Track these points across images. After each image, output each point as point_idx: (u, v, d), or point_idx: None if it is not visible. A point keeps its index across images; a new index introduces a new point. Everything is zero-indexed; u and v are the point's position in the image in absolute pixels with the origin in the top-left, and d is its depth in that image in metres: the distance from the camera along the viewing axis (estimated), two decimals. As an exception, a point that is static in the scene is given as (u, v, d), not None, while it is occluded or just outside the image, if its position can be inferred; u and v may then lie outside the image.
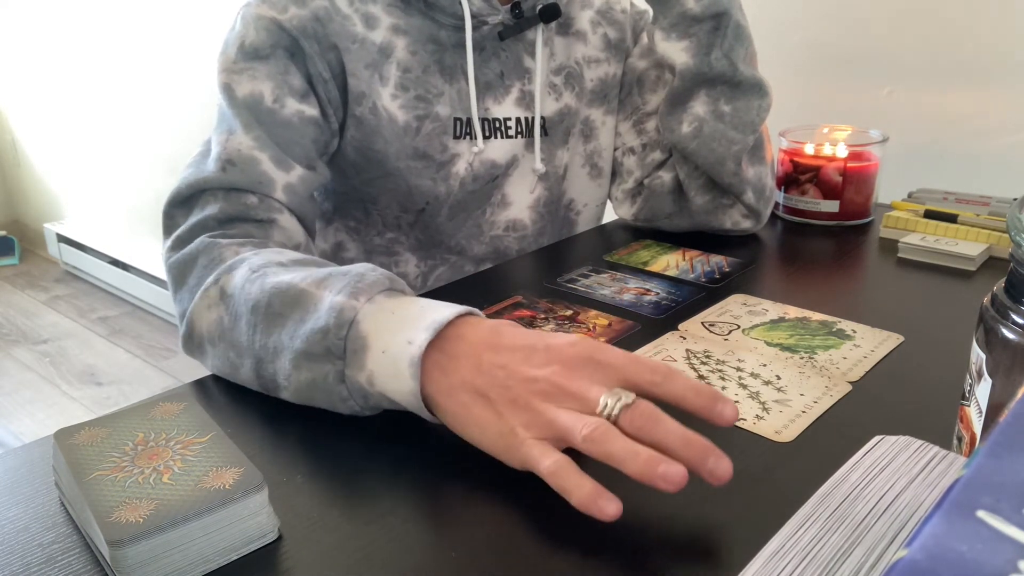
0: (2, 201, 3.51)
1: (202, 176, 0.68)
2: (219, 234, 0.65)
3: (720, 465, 0.41)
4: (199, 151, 0.72)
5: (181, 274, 0.64)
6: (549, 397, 0.44)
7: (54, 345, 2.55)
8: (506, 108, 0.83)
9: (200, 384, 0.59)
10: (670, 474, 0.40)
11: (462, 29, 0.79)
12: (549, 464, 0.43)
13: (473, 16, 0.78)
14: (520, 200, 0.87)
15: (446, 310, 0.49)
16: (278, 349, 0.53)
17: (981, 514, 0.19)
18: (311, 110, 0.73)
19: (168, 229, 0.69)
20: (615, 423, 0.43)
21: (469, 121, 0.81)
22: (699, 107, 0.81)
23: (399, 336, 0.48)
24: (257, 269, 0.57)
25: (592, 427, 0.42)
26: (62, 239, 3.09)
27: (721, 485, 0.41)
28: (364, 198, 0.82)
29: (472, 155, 0.81)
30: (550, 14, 0.81)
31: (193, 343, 0.61)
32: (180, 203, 0.69)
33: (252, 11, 0.73)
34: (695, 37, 0.80)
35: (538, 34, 0.82)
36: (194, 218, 0.67)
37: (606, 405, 0.43)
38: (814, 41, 1.19)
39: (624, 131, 0.92)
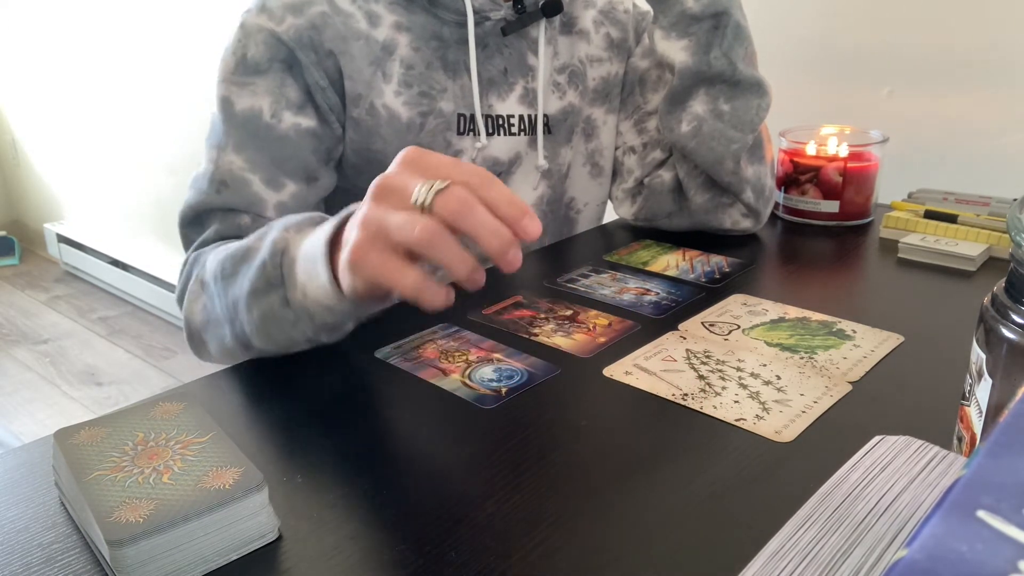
0: (2, 201, 3.51)
1: (201, 199, 0.72)
2: (214, 247, 0.69)
3: (516, 257, 0.44)
4: (203, 167, 0.74)
5: (182, 291, 0.70)
6: (379, 198, 0.46)
7: (54, 345, 2.56)
8: (509, 105, 0.83)
9: (200, 384, 0.59)
10: (477, 280, 0.46)
11: (465, 25, 0.79)
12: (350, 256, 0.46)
13: (475, 12, 0.78)
14: (523, 197, 0.87)
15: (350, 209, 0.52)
16: (236, 301, 0.58)
17: (981, 514, 0.19)
18: (308, 121, 0.74)
19: (185, 247, 0.75)
20: (431, 211, 0.44)
21: (472, 117, 0.81)
22: (698, 106, 0.82)
23: (314, 240, 0.53)
24: (216, 259, 0.62)
25: (421, 228, 0.43)
26: (62, 239, 3.09)
27: (513, 270, 0.45)
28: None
29: (475, 151, 0.82)
30: (552, 8, 0.81)
31: (195, 341, 0.65)
32: (189, 223, 0.74)
33: (252, 21, 0.74)
34: (694, 36, 0.80)
35: (540, 30, 0.82)
36: (199, 238, 0.73)
37: (419, 192, 0.44)
38: (814, 41, 1.19)
39: (625, 130, 0.92)
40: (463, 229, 0.44)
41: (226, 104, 0.73)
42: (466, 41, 0.79)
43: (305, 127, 0.74)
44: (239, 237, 0.69)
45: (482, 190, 0.45)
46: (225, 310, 0.59)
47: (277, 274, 0.54)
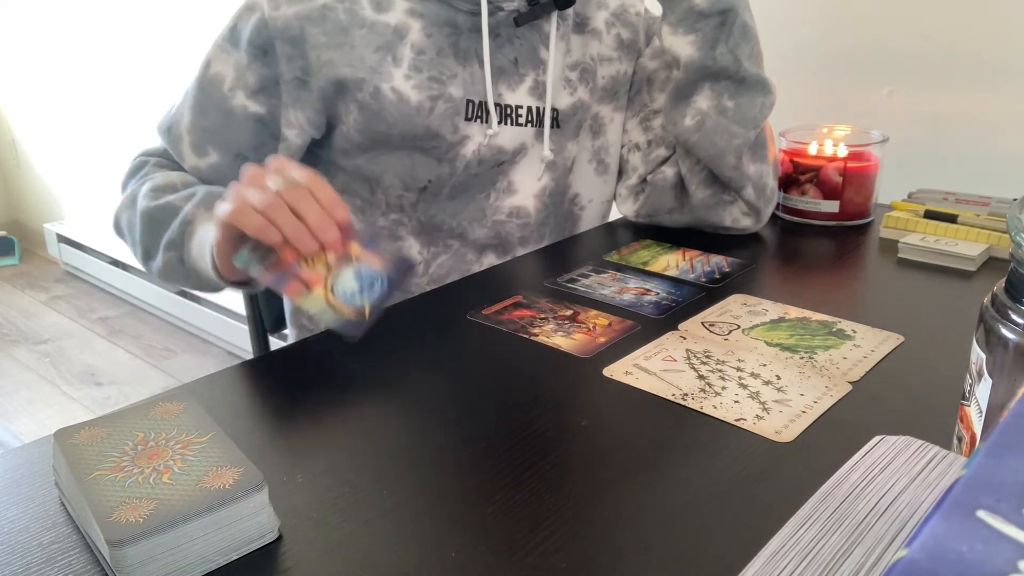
0: (2, 201, 3.51)
1: (162, 126, 0.84)
2: (155, 161, 0.85)
3: (328, 233, 0.59)
4: (177, 101, 0.84)
5: (127, 178, 0.85)
6: (245, 182, 0.61)
7: (54, 345, 2.55)
8: (519, 96, 0.84)
9: (200, 384, 0.59)
10: (304, 243, 0.58)
11: (477, 14, 0.80)
12: (224, 208, 0.61)
13: (489, 1, 0.79)
14: (526, 188, 0.88)
15: None
16: (157, 246, 0.75)
17: (981, 514, 0.19)
18: (257, 108, 0.80)
19: (135, 167, 0.86)
20: (282, 197, 0.59)
21: (482, 104, 0.82)
22: (702, 101, 0.82)
23: (210, 233, 0.68)
24: (155, 189, 0.78)
25: (267, 200, 0.59)
26: (62, 239, 3.09)
27: (326, 241, 0.59)
28: (368, 176, 0.83)
29: (485, 137, 0.83)
30: (564, 1, 0.82)
31: (118, 232, 0.82)
32: (143, 153, 0.87)
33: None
34: (701, 32, 0.81)
35: (552, 24, 0.83)
36: (154, 146, 0.86)
37: (275, 183, 0.60)
38: (814, 41, 1.19)
39: (631, 128, 0.93)
40: (295, 209, 0.59)
41: (206, 65, 0.80)
42: (478, 29, 0.80)
43: (252, 111, 0.80)
44: (173, 163, 0.84)
45: (314, 189, 0.60)
46: (148, 243, 0.77)
47: (180, 240, 0.73)
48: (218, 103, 0.80)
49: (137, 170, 0.85)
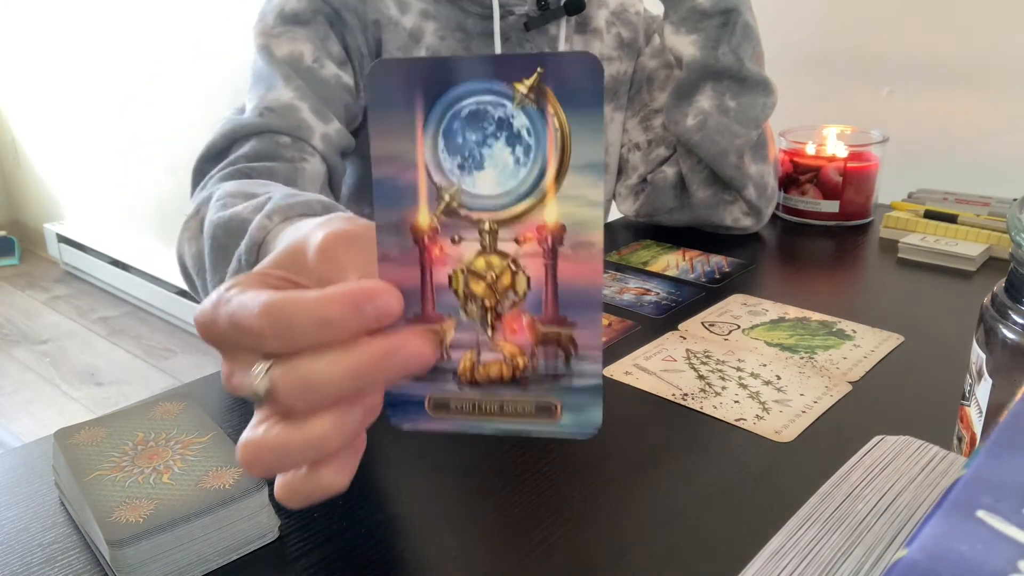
0: (2, 201, 3.51)
1: (238, 124, 0.67)
2: (233, 171, 0.64)
3: (414, 352, 0.29)
4: (228, 113, 0.71)
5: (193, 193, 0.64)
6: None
7: (54, 345, 2.55)
8: None
9: (200, 384, 0.59)
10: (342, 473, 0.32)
11: (488, 18, 0.80)
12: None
13: (500, 6, 0.79)
14: None
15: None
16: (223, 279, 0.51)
17: (981, 514, 0.19)
18: (347, 77, 0.74)
19: (196, 185, 0.67)
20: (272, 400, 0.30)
21: None
22: (704, 101, 0.82)
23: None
24: (222, 198, 0.54)
25: (249, 451, 0.30)
26: (62, 239, 3.09)
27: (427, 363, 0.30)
28: None
29: None
30: (574, 7, 0.82)
31: (189, 282, 0.60)
32: (214, 156, 0.68)
33: None
34: (703, 32, 0.81)
35: (561, 28, 0.83)
36: (225, 160, 0.66)
37: (256, 385, 0.30)
38: (814, 41, 1.19)
39: (631, 127, 0.93)
40: (314, 406, 0.30)
41: (266, 51, 0.71)
42: (489, 34, 0.80)
43: (344, 81, 0.73)
44: (275, 157, 0.66)
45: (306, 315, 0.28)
46: (215, 282, 0.53)
47: (250, 266, 0.47)
48: (308, 76, 0.70)
49: (203, 193, 0.61)
